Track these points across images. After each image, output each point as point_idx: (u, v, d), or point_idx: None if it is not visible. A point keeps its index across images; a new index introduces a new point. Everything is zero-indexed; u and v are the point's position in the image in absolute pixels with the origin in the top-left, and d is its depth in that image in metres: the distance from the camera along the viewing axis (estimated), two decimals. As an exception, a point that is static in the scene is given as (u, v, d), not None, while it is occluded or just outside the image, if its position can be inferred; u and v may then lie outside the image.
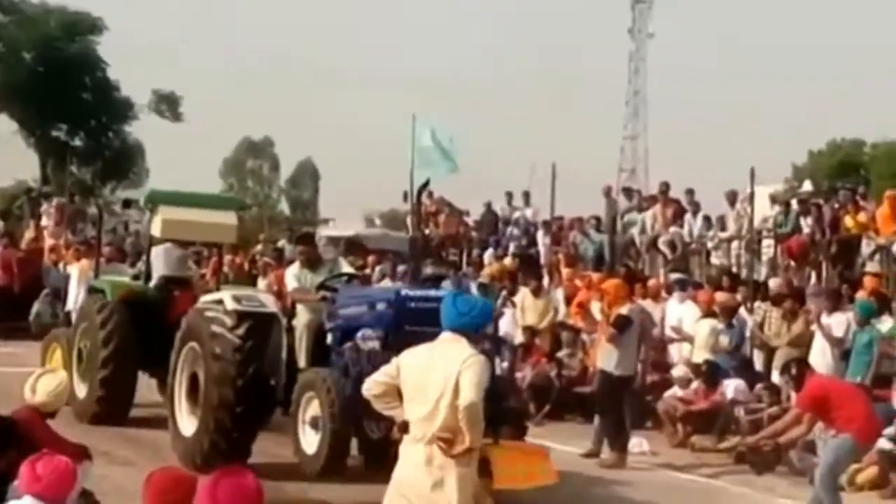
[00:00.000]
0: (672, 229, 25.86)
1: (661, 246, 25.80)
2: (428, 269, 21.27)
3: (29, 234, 32.07)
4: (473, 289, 25.18)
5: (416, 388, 7.41)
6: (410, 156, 28.98)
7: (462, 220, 33.04)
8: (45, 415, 9.58)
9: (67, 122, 48.21)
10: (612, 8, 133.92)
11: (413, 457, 7.34)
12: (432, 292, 13.24)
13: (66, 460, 7.07)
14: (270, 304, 13.89)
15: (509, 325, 22.52)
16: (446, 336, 7.55)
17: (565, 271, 24.72)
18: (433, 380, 7.34)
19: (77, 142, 48.77)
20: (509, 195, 31.85)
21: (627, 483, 14.30)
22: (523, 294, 22.90)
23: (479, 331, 7.87)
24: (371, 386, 7.66)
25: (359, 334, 12.51)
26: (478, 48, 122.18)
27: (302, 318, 13.73)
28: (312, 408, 12.66)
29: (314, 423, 12.60)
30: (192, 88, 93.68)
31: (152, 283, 17.01)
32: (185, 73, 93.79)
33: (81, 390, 16.29)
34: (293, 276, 14.49)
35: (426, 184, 16.49)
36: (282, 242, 33.68)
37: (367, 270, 29.14)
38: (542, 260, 27.96)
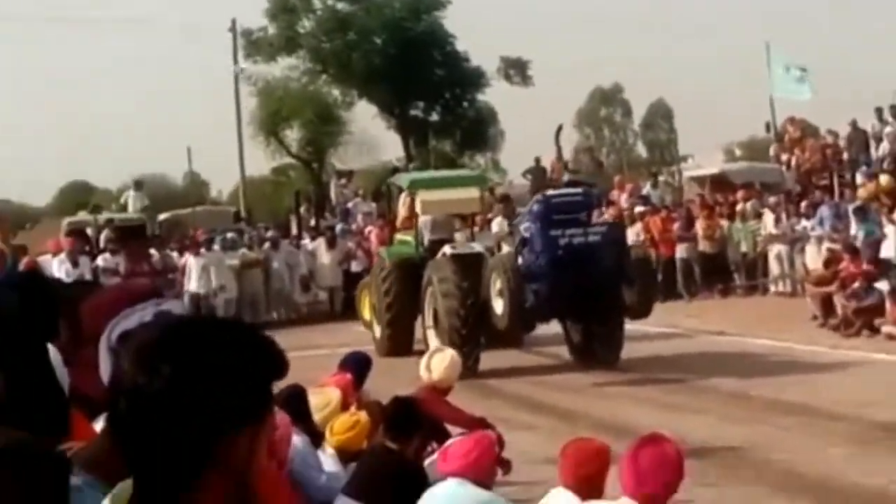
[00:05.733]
0: None
1: None
2: (566, 177, 26.42)
3: (403, 213, 32.99)
4: (851, 214, 24.43)
5: None
6: (768, 83, 28.46)
7: (829, 143, 32.05)
8: (443, 391, 9.89)
9: (423, 99, 49.12)
10: None
11: None
12: (570, 189, 19.46)
13: (486, 440, 7.25)
14: (478, 247, 19.41)
15: (893, 248, 21.68)
16: None
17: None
18: None
19: (434, 116, 49.58)
20: (879, 111, 30.63)
21: None
22: (904, 211, 22.03)
23: None
24: None
25: (521, 227, 17.75)
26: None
27: (503, 252, 18.87)
28: (497, 283, 17.19)
29: (500, 293, 17.08)
30: (540, 44, 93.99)
31: (423, 247, 20.65)
32: (531, 33, 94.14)
33: (377, 332, 21.24)
34: (496, 223, 21.58)
35: (560, 128, 22.58)
36: (646, 189, 33.45)
37: (740, 206, 28.67)
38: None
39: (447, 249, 18.96)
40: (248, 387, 2.11)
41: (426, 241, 20.69)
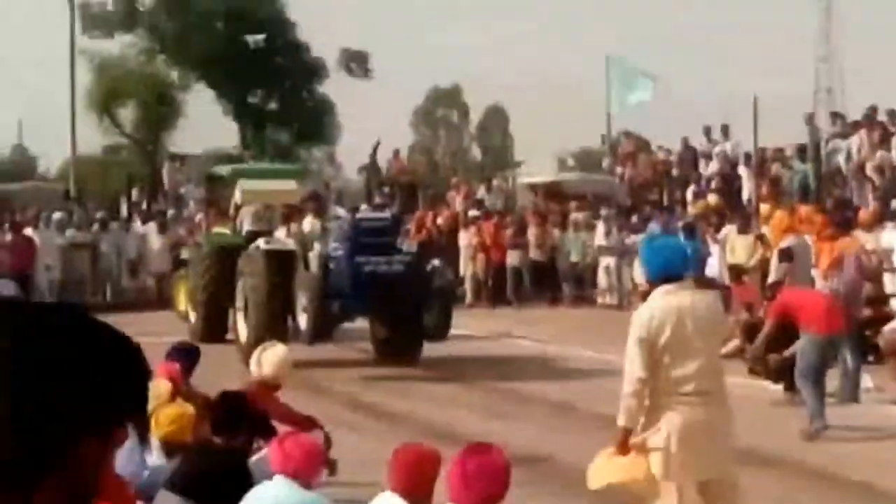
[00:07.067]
0: (879, 154, 25.14)
1: (869, 172, 25.10)
2: (377, 199, 29.37)
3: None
4: (679, 231, 24.92)
5: (681, 344, 7.30)
6: (605, 96, 28.91)
7: (661, 159, 32.67)
8: (273, 387, 9.81)
9: (262, 87, 48.79)
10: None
11: (704, 412, 7.34)
12: (378, 214, 21.59)
13: (313, 440, 7.23)
14: (291, 244, 19.71)
15: (717, 266, 22.17)
16: (673, 287, 7.44)
17: (763, 207, 24.18)
18: (699, 333, 7.32)
19: (272, 105, 49.29)
20: (707, 129, 31.32)
21: (856, 420, 13.95)
22: (729, 231, 22.54)
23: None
24: (638, 384, 7.32)
25: (330, 247, 18.65)
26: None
27: (314, 251, 18.85)
28: (303, 299, 18.15)
29: (304, 310, 18.07)
30: (380, 41, 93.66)
31: (242, 237, 21.13)
32: (371, 27, 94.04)
33: (192, 316, 21.86)
34: (307, 222, 21.65)
35: (378, 144, 25.40)
36: (480, 193, 33.64)
37: (573, 216, 29.05)
38: (746, 195, 27.47)
39: (261, 243, 19.43)
40: (108, 389, 1.90)
41: (244, 232, 21.27)
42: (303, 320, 18.22)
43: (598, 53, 30.22)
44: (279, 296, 18.46)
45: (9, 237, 27.38)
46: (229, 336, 20.30)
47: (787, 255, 16.74)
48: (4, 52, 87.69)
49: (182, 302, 23.06)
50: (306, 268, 18.92)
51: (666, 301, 7.35)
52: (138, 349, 1.99)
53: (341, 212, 25.82)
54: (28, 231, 28.06)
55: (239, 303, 19.53)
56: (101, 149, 51.62)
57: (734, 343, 18.99)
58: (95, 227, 29.96)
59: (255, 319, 18.54)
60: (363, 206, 31.09)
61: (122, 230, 30.55)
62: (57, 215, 29.30)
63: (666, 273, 7.46)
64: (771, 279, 17.25)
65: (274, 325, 17.86)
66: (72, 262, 28.62)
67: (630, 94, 30.43)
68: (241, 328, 19.26)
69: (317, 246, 19.12)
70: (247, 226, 21.48)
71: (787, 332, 13.97)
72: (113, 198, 38.07)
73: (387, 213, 21.15)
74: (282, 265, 18.85)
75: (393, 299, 18.09)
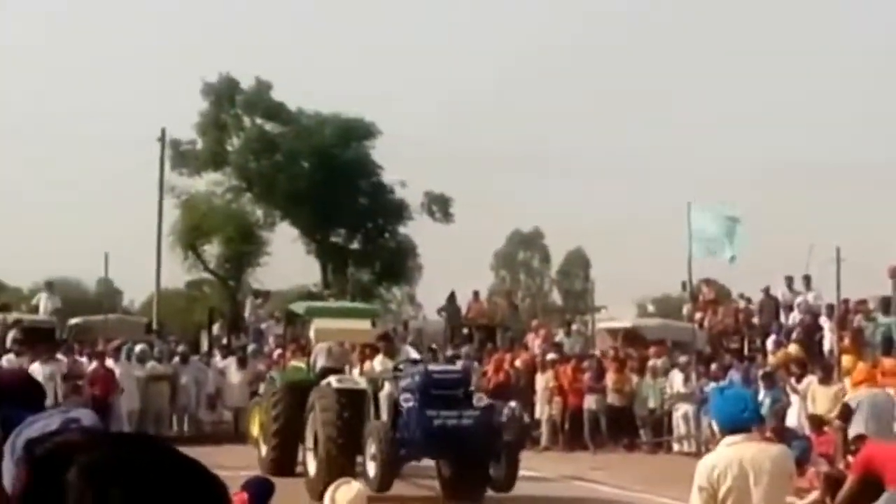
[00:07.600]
0: (965, 308, 24.86)
1: (954, 326, 24.81)
2: (449, 351, 29.75)
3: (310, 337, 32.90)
4: (759, 379, 24.71)
5: (741, 495, 7.24)
6: (687, 243, 28.90)
7: (741, 307, 32.52)
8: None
9: (345, 227, 49.19)
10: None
11: None
12: (450, 366, 22.28)
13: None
14: (362, 383, 19.97)
15: (797, 416, 21.90)
16: (739, 438, 7.40)
17: (845, 358, 23.96)
18: (761, 485, 7.23)
19: (355, 245, 49.63)
20: (789, 279, 31.18)
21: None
22: (810, 382, 22.28)
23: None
24: None
25: (401, 397, 18.59)
26: (743, 132, 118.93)
27: (384, 391, 19.19)
28: (372, 447, 18.18)
29: (373, 457, 18.10)
30: (462, 183, 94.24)
31: (315, 373, 21.49)
32: (454, 169, 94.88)
33: (263, 450, 22.10)
34: (378, 362, 21.69)
35: (452, 294, 27.09)
36: (559, 337, 33.61)
37: (651, 362, 28.92)
38: (827, 346, 27.21)
39: (333, 380, 19.87)
40: None
41: (318, 368, 21.72)
42: (371, 467, 18.35)
43: (679, 198, 29.97)
44: (349, 433, 18.74)
45: (90, 367, 27.74)
46: (299, 469, 20.57)
47: (845, 413, 16.46)
48: (93, 186, 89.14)
49: (255, 427, 23.38)
50: (376, 407, 19.20)
51: (730, 452, 7.34)
52: (224, 487, 2.02)
53: (413, 353, 25.84)
54: (109, 362, 28.38)
55: (308, 438, 19.81)
56: (183, 284, 52.26)
57: (814, 495, 18.73)
58: (176, 360, 30.25)
59: (324, 455, 18.84)
60: (434, 345, 31.59)
61: (202, 364, 30.80)
62: (138, 347, 29.67)
63: (732, 423, 7.46)
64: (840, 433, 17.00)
65: (342, 462, 18.18)
66: (151, 393, 28.90)
67: (720, 247, 30.30)
68: (310, 463, 19.57)
69: (387, 385, 19.35)
70: (320, 362, 21.90)
71: (870, 487, 13.73)
72: (194, 332, 38.46)
73: (458, 366, 21.87)
74: (352, 403, 19.21)
75: (461, 452, 18.44)
